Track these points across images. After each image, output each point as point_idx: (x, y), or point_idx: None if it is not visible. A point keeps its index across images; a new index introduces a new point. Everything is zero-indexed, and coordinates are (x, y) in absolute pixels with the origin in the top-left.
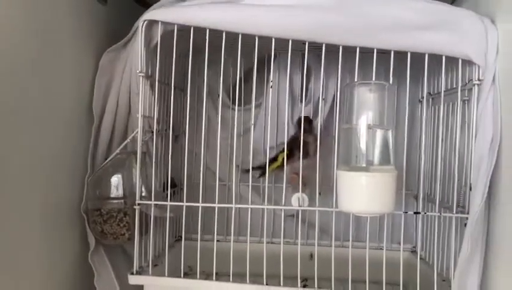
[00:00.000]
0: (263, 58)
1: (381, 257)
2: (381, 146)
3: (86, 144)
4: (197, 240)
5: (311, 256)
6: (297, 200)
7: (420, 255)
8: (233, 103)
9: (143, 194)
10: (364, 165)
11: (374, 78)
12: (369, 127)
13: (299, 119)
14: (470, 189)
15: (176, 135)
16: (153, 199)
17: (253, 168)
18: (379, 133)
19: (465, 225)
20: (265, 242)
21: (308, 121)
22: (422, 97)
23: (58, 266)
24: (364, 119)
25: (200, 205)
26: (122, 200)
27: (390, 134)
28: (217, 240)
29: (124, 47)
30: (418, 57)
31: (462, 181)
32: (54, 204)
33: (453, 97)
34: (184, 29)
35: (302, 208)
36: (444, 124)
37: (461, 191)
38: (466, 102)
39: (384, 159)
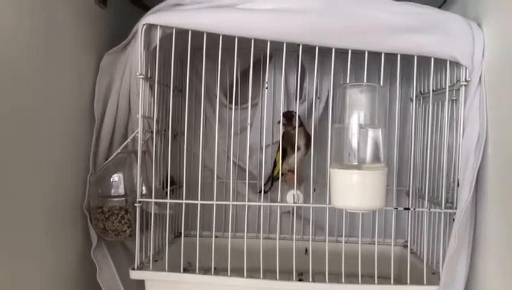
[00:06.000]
0: (259, 58)
1: (374, 252)
2: (372, 145)
3: (88, 144)
4: (196, 237)
5: (306, 251)
6: (292, 197)
7: (412, 250)
8: (231, 102)
9: (143, 192)
10: (356, 163)
11: (365, 80)
12: (360, 126)
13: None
14: (458, 185)
15: (175, 135)
16: (153, 196)
17: (265, 185)
18: (370, 133)
19: (453, 220)
20: (261, 238)
21: (290, 115)
22: (415, 96)
23: (62, 262)
24: (355, 119)
25: (199, 202)
26: (124, 198)
27: (380, 133)
28: (216, 236)
29: (123, 49)
30: (409, 58)
31: (450, 178)
32: (58, 202)
33: (442, 97)
34: (182, 32)
35: (297, 204)
36: (434, 123)
37: (450, 188)
38: (454, 101)
39: (375, 157)
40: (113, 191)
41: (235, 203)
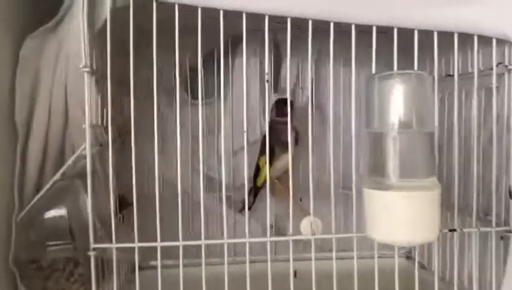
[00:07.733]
0: (226, 42)
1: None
2: (420, 154)
3: (10, 169)
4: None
5: (295, 274)
6: (310, 227)
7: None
8: (193, 97)
9: (99, 233)
10: (402, 181)
11: (395, 67)
12: (403, 130)
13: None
14: (511, 196)
15: (123, 142)
16: (113, 239)
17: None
18: (415, 138)
19: (501, 237)
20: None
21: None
22: None
23: None
24: (394, 120)
25: (181, 244)
26: (71, 245)
27: (432, 137)
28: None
29: (54, 30)
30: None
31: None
32: None
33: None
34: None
35: (316, 236)
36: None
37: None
38: (495, 89)
39: (426, 171)
40: (53, 235)
41: (233, 241)
